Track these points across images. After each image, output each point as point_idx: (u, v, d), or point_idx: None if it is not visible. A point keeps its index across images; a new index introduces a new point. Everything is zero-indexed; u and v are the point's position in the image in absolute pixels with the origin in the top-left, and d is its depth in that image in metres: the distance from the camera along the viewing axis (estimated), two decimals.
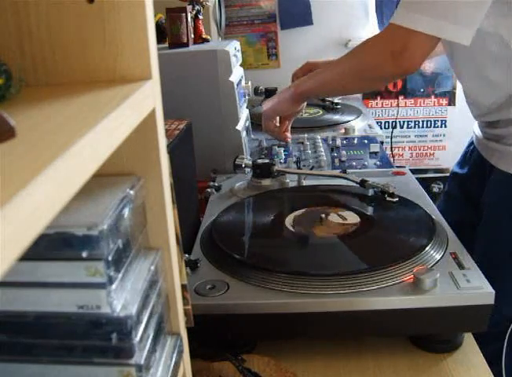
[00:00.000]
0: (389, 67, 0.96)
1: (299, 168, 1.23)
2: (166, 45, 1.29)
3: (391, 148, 2.21)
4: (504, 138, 1.06)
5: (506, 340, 0.99)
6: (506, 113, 1.04)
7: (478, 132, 1.18)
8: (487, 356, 0.76)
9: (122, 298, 0.40)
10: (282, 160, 1.32)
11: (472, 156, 1.22)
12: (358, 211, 0.96)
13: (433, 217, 0.93)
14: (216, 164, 1.26)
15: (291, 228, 0.91)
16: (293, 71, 1.44)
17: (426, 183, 2.09)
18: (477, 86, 1.08)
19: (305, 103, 1.30)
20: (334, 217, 0.93)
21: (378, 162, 1.30)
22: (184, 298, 0.55)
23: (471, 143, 1.24)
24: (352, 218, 0.93)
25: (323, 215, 0.93)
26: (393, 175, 1.16)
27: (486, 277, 0.75)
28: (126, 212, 0.42)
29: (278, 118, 1.34)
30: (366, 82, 1.10)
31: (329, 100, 1.81)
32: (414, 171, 1.21)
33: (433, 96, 2.23)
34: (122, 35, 0.45)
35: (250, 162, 1.15)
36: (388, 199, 0.98)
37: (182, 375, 0.53)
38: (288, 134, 1.36)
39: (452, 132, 2.26)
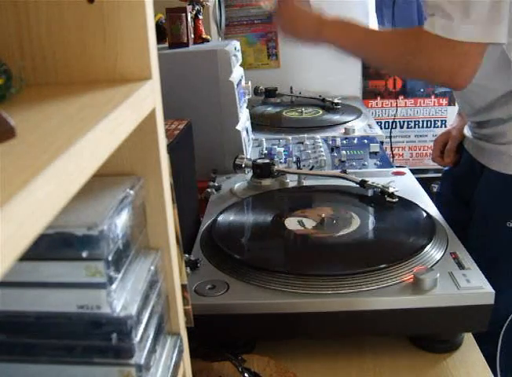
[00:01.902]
0: (446, 77, 0.92)
1: (299, 168, 1.23)
2: (166, 45, 1.29)
3: (391, 148, 2.21)
4: (494, 138, 1.06)
5: (500, 340, 0.99)
6: (497, 113, 1.03)
7: (468, 132, 1.18)
8: (485, 354, 0.76)
9: (122, 298, 0.40)
10: (282, 160, 1.32)
11: (462, 156, 1.22)
12: (358, 211, 0.96)
13: (433, 217, 0.93)
14: (216, 164, 1.26)
15: (291, 228, 0.91)
16: (293, 71, 1.43)
17: (426, 183, 2.09)
18: (467, 89, 1.07)
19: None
20: (334, 221, 0.93)
21: (378, 162, 1.30)
22: (184, 298, 0.55)
23: (461, 143, 1.24)
24: (353, 223, 0.92)
25: (323, 215, 0.93)
26: (393, 175, 1.16)
27: None
28: (126, 212, 0.42)
29: None
30: (407, 73, 1.08)
31: (329, 100, 1.81)
32: (414, 171, 1.21)
33: (433, 96, 2.23)
34: (122, 35, 0.45)
35: (250, 162, 1.15)
36: (388, 199, 0.98)
37: (182, 375, 0.53)
38: None
39: None
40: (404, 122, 2.28)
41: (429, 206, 0.98)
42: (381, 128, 2.08)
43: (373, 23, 2.21)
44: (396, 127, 2.26)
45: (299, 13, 1.11)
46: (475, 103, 1.08)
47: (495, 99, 1.03)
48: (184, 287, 0.55)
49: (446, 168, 1.31)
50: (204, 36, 1.36)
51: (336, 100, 1.80)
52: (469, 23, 0.86)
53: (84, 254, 0.37)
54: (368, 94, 2.21)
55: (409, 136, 2.29)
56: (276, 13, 1.15)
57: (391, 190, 0.99)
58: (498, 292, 0.72)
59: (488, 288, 0.73)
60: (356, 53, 1.09)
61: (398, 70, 1.05)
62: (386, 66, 1.06)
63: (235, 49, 1.34)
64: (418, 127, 2.28)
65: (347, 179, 1.08)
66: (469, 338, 0.79)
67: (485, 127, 1.08)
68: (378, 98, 2.23)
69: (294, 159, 1.29)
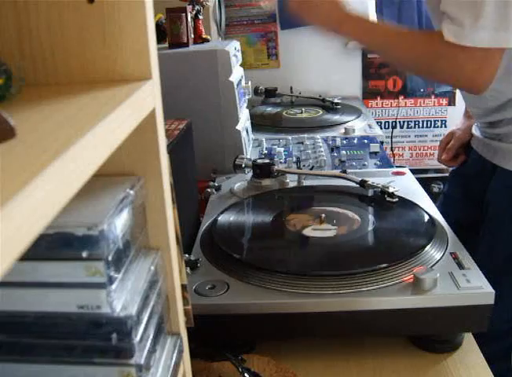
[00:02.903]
0: (467, 82, 0.94)
1: (299, 168, 1.23)
2: (166, 45, 1.29)
3: (391, 148, 2.21)
4: (507, 137, 1.05)
5: None
6: (509, 112, 1.03)
7: (477, 133, 1.18)
8: (487, 355, 0.76)
9: (122, 298, 0.40)
10: (282, 160, 1.32)
11: (471, 156, 1.22)
12: (358, 211, 0.96)
13: (433, 217, 0.93)
14: (216, 164, 1.26)
15: (291, 228, 0.91)
16: (293, 71, 1.43)
17: (426, 183, 2.09)
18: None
19: None
20: (334, 221, 0.93)
21: (378, 162, 1.30)
22: (184, 298, 0.55)
23: (469, 143, 1.24)
24: (353, 223, 0.92)
25: (323, 215, 0.93)
26: (393, 175, 1.16)
27: (489, 277, 0.75)
28: (126, 212, 0.42)
29: None
30: (428, 75, 1.09)
31: (328, 100, 1.81)
32: (414, 171, 1.21)
33: (433, 96, 2.23)
34: (122, 35, 0.45)
35: (250, 162, 1.15)
36: (388, 199, 0.98)
37: (182, 375, 0.53)
38: None
39: None
40: (404, 122, 2.28)
41: (429, 206, 0.98)
42: (381, 128, 2.08)
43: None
44: (396, 127, 2.26)
45: None
46: (486, 104, 1.07)
47: (506, 100, 1.03)
48: (184, 287, 0.55)
49: (453, 168, 1.31)
50: (204, 36, 1.36)
51: (336, 100, 1.80)
52: (484, 29, 0.87)
53: (84, 254, 0.37)
54: (368, 94, 2.21)
55: (409, 136, 2.29)
56: None
57: (391, 190, 0.99)
58: (510, 291, 0.72)
59: (488, 288, 0.73)
60: (378, 52, 1.09)
61: (421, 72, 1.05)
62: (410, 68, 1.06)
63: (235, 49, 1.34)
64: (419, 127, 2.28)
65: (347, 179, 1.08)
66: (469, 338, 0.79)
67: (498, 127, 1.08)
68: (378, 98, 2.23)
69: (294, 159, 1.29)
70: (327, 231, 0.90)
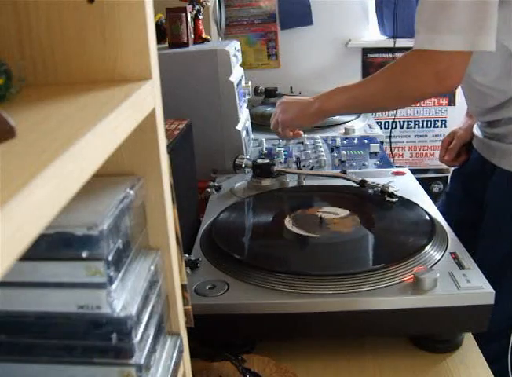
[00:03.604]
0: (434, 88, 0.96)
1: (299, 168, 1.23)
2: (166, 45, 1.29)
3: (391, 148, 2.21)
4: (506, 137, 1.06)
5: (511, 338, 0.99)
6: (507, 112, 1.04)
7: (478, 132, 1.18)
8: (487, 355, 0.76)
9: (122, 298, 0.40)
10: (282, 160, 1.32)
11: (472, 156, 1.22)
12: (358, 211, 0.96)
13: (433, 217, 0.93)
14: (216, 164, 1.26)
15: (291, 229, 0.91)
16: (293, 71, 1.44)
17: (426, 183, 2.09)
18: (477, 88, 1.08)
19: None
20: (334, 220, 0.93)
21: (378, 162, 1.30)
22: (184, 298, 0.55)
23: (471, 143, 1.24)
24: (353, 223, 0.93)
25: (323, 215, 0.93)
26: (393, 175, 1.16)
27: (488, 276, 0.75)
28: (126, 212, 0.42)
29: None
30: (403, 101, 1.11)
31: None
32: (414, 171, 1.21)
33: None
34: (122, 35, 0.45)
35: (250, 162, 1.15)
36: (388, 199, 0.98)
37: (182, 375, 0.53)
38: (301, 132, 1.32)
39: None
40: (404, 122, 2.28)
41: (429, 206, 0.98)
42: (381, 128, 2.08)
43: (373, 24, 2.21)
44: (396, 127, 2.26)
45: (295, 108, 1.20)
46: (485, 103, 1.08)
47: (506, 99, 1.03)
48: (184, 287, 0.55)
49: (455, 167, 1.32)
50: (204, 36, 1.36)
51: None
52: (451, 34, 0.89)
53: (84, 254, 0.37)
54: None
55: (409, 136, 2.29)
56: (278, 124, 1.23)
57: (391, 190, 0.99)
58: (509, 289, 0.72)
59: (488, 288, 0.73)
60: (362, 105, 1.13)
61: (396, 99, 1.07)
62: (388, 100, 1.09)
63: (235, 49, 1.34)
64: (418, 127, 2.28)
65: (347, 179, 1.08)
66: (469, 338, 0.79)
67: (496, 127, 1.08)
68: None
69: (294, 159, 1.29)
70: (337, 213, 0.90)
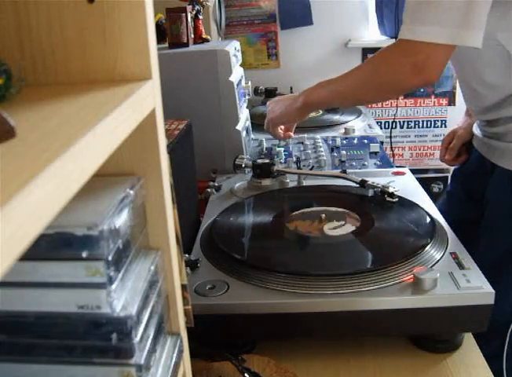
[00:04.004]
0: (412, 79, 0.95)
1: (299, 168, 1.23)
2: (166, 45, 1.29)
3: (391, 148, 2.21)
4: (505, 136, 1.06)
5: (507, 337, 0.99)
6: (506, 111, 1.04)
7: (477, 131, 1.18)
8: (486, 354, 0.76)
9: (122, 298, 0.40)
10: (282, 160, 1.32)
11: (472, 155, 1.22)
12: (358, 211, 0.96)
13: (433, 217, 0.93)
14: (216, 164, 1.26)
15: (291, 228, 0.91)
16: (293, 71, 1.44)
17: (426, 183, 2.09)
18: (475, 86, 1.08)
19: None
20: (334, 220, 0.93)
21: (378, 162, 1.30)
22: (184, 298, 0.55)
23: (471, 142, 1.24)
24: (353, 223, 0.92)
25: (323, 215, 0.93)
26: (393, 175, 1.16)
27: (487, 275, 0.75)
28: (126, 212, 0.42)
29: None
30: (383, 94, 1.10)
31: None
32: (414, 171, 1.21)
33: (433, 96, 2.23)
34: (122, 35, 0.45)
35: (250, 162, 1.15)
36: (388, 199, 0.98)
37: (182, 375, 0.53)
38: (291, 134, 1.35)
39: None
40: (404, 122, 2.28)
41: (429, 206, 0.98)
42: (381, 128, 2.08)
43: (373, 23, 2.21)
44: (396, 127, 2.26)
45: (282, 105, 1.23)
46: (484, 101, 1.08)
47: (504, 97, 1.03)
48: (184, 287, 0.55)
49: (456, 167, 1.32)
50: (204, 36, 1.36)
51: None
52: (434, 25, 0.89)
53: (84, 254, 0.37)
54: None
55: (409, 136, 2.29)
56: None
57: (391, 190, 0.99)
58: (509, 288, 0.72)
59: (488, 288, 0.73)
60: (344, 98, 1.13)
61: (376, 91, 1.07)
62: (369, 92, 1.09)
63: (235, 49, 1.34)
64: (418, 127, 2.28)
65: (347, 179, 1.08)
66: (469, 338, 0.79)
67: (496, 125, 1.09)
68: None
69: (294, 159, 1.29)
70: (342, 227, 0.90)
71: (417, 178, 1.15)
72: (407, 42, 0.92)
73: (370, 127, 1.61)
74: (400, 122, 2.27)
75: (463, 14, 0.87)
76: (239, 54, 1.40)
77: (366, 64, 1.09)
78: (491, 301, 0.72)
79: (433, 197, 1.10)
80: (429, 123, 2.27)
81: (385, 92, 1.07)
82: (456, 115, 2.23)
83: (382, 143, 1.47)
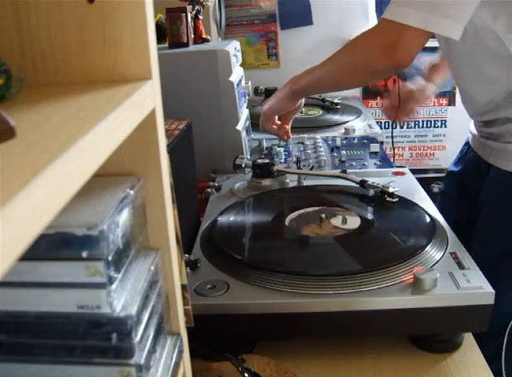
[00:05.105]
0: (382, 60, 0.96)
1: (299, 168, 1.23)
2: (166, 45, 1.29)
3: (393, 148, 2.21)
4: (501, 136, 1.06)
5: (505, 337, 0.99)
6: (503, 112, 1.04)
7: (474, 131, 1.18)
8: (486, 354, 0.76)
9: (122, 298, 0.40)
10: (282, 160, 1.32)
11: (467, 155, 1.22)
12: (358, 211, 0.96)
13: (433, 217, 0.93)
14: (216, 164, 1.26)
15: (291, 229, 0.91)
16: (293, 71, 1.44)
17: (426, 183, 2.08)
18: (473, 84, 1.08)
19: (303, 99, 1.30)
20: (334, 220, 0.93)
21: (378, 162, 1.30)
22: (184, 298, 0.55)
23: (467, 142, 1.24)
24: (353, 223, 0.92)
25: (323, 215, 0.93)
26: (393, 175, 1.16)
27: (485, 275, 0.75)
28: (126, 212, 0.42)
29: (277, 116, 1.34)
30: (359, 77, 1.09)
31: (328, 100, 1.81)
32: (414, 171, 1.21)
33: (432, 96, 2.23)
34: (122, 35, 0.45)
35: (250, 162, 1.15)
36: (388, 199, 0.98)
37: (182, 375, 0.53)
38: (289, 131, 1.35)
39: (452, 132, 2.26)
40: (404, 122, 2.27)
41: (429, 206, 0.98)
42: (381, 128, 2.08)
43: (373, 24, 2.21)
44: (396, 127, 2.26)
45: (272, 98, 1.27)
46: (481, 101, 1.08)
47: (501, 98, 1.03)
48: (184, 287, 0.55)
49: (450, 168, 1.32)
50: (204, 36, 1.36)
51: (336, 100, 1.80)
52: (412, 8, 0.89)
53: (84, 254, 0.37)
54: (368, 94, 2.21)
55: (409, 136, 2.29)
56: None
57: (391, 190, 0.99)
58: (505, 288, 0.72)
59: (488, 288, 0.73)
60: (327, 82, 1.14)
61: (352, 73, 1.07)
62: (347, 75, 1.09)
63: (235, 49, 1.34)
64: (418, 127, 2.28)
65: (347, 179, 1.08)
66: (469, 338, 0.79)
67: (492, 126, 1.09)
68: (378, 98, 2.23)
69: (294, 159, 1.29)
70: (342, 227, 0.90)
71: (417, 178, 1.15)
72: (384, 22, 0.93)
73: (370, 127, 1.61)
74: (400, 122, 2.27)
75: (444, 2, 0.87)
76: (239, 54, 1.40)
77: (344, 47, 1.09)
78: (491, 301, 0.72)
79: (433, 197, 1.10)
80: (429, 123, 2.27)
81: (360, 74, 1.07)
82: (456, 115, 2.23)
83: (382, 143, 1.47)
